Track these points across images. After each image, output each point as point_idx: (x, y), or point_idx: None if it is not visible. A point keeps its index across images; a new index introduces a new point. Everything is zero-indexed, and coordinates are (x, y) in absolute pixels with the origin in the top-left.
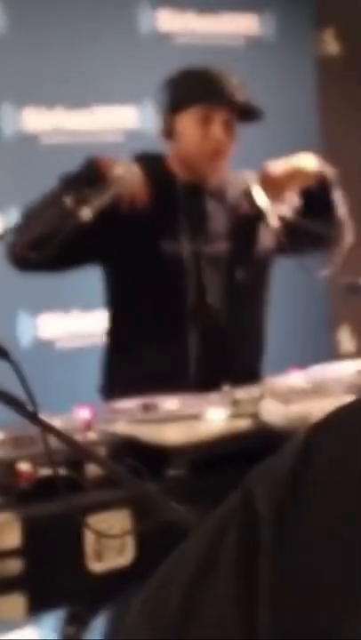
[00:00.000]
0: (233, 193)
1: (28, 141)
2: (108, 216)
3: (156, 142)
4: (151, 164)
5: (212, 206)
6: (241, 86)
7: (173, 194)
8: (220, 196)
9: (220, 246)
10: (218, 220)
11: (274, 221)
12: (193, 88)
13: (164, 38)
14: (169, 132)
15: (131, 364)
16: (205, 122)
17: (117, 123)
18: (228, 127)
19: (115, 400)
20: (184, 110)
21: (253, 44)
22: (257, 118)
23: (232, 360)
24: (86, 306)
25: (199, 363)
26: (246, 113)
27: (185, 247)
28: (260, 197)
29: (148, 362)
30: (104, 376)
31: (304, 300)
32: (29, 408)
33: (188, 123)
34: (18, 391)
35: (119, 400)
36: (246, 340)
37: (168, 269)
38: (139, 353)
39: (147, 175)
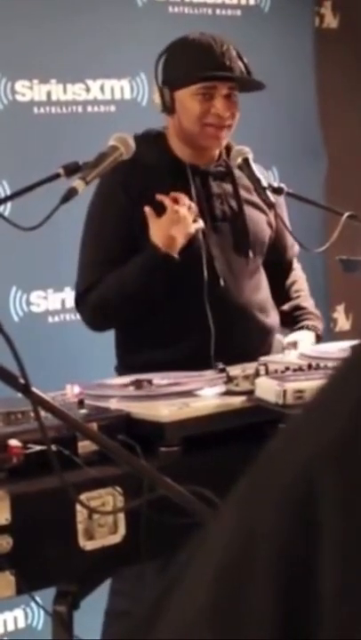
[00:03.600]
0: (233, 170)
1: (21, 112)
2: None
3: (149, 113)
4: (154, 146)
5: (215, 187)
6: (240, 56)
7: (181, 175)
8: (222, 175)
9: (225, 227)
10: (221, 200)
11: (270, 195)
12: (192, 64)
13: (160, 8)
14: (169, 108)
15: (147, 347)
16: (206, 98)
17: (110, 93)
18: (230, 100)
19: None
20: (184, 87)
21: (250, 13)
22: (258, 89)
23: (244, 339)
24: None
25: (217, 344)
26: (247, 84)
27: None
28: (257, 170)
29: (166, 344)
30: (118, 358)
31: None
32: (21, 381)
33: (188, 99)
34: (10, 365)
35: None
36: (254, 319)
37: (188, 258)
38: (155, 335)
39: (152, 159)
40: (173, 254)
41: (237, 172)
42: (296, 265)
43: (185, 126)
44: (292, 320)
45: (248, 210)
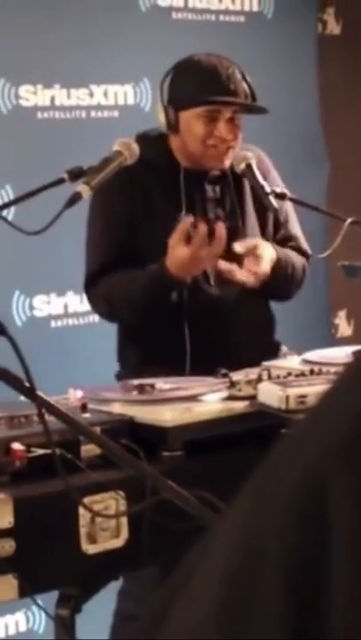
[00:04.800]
0: (231, 176)
1: (24, 117)
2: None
3: (152, 118)
4: (154, 144)
5: (210, 192)
6: (245, 78)
7: (176, 176)
8: (218, 181)
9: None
10: (215, 204)
11: (272, 201)
12: (198, 87)
13: (164, 14)
14: (174, 127)
15: (141, 350)
16: (210, 120)
17: (114, 99)
18: (233, 123)
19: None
20: (189, 108)
21: (253, 20)
22: (261, 113)
23: (231, 345)
24: (81, 290)
25: (194, 347)
26: (250, 108)
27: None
28: (260, 176)
29: (156, 346)
30: (119, 362)
31: (303, 287)
32: (26, 385)
33: (192, 120)
34: (14, 369)
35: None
36: (248, 325)
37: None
38: (147, 337)
39: (150, 155)
40: (185, 280)
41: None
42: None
43: (189, 146)
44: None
45: (244, 215)
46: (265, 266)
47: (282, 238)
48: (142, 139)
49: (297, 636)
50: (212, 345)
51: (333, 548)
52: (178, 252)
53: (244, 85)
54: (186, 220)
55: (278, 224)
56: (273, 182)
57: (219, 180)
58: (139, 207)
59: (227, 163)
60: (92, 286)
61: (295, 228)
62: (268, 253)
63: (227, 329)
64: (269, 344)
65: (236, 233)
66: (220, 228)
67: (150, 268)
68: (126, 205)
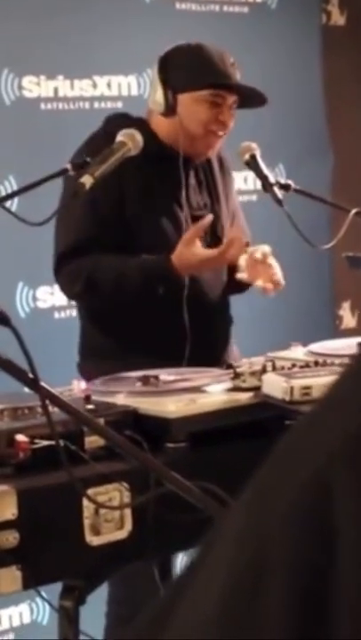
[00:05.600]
0: (222, 164)
1: (28, 108)
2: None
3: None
4: (141, 128)
5: (192, 176)
6: (237, 69)
7: (169, 161)
8: (210, 167)
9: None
10: (198, 190)
11: (277, 192)
12: (204, 70)
13: (168, 4)
14: (171, 109)
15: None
16: (214, 105)
17: (117, 89)
18: (231, 111)
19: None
20: (192, 90)
21: (257, 10)
22: (259, 105)
23: (219, 334)
24: None
25: (192, 333)
26: (248, 100)
27: (184, 215)
28: (264, 168)
29: (146, 332)
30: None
31: (307, 279)
32: (30, 376)
33: (195, 103)
34: (18, 360)
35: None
36: (224, 314)
37: (169, 238)
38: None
39: (146, 145)
40: (183, 276)
41: (215, 164)
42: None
43: (188, 129)
44: None
45: (221, 201)
46: (280, 274)
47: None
48: (123, 122)
49: (302, 637)
50: (211, 334)
51: (339, 549)
52: (190, 250)
53: (239, 75)
54: (206, 220)
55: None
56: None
57: (201, 166)
58: (129, 188)
59: (215, 151)
60: (63, 265)
61: (243, 221)
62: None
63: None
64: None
65: (218, 217)
66: (237, 240)
67: (150, 257)
68: (113, 187)
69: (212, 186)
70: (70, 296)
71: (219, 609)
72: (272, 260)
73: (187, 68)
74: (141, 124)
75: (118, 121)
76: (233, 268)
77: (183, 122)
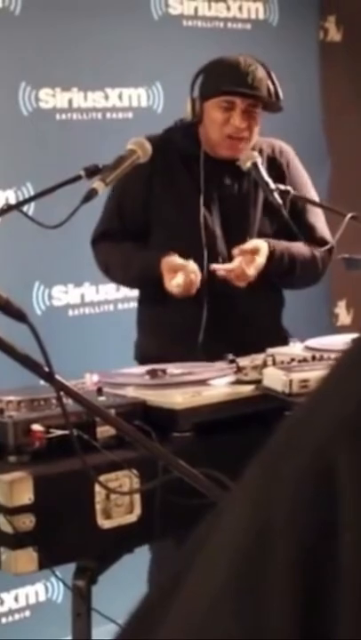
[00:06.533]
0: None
1: (44, 118)
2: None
3: (164, 120)
4: (182, 130)
5: (227, 181)
6: (271, 78)
7: (196, 160)
8: (235, 173)
9: (228, 210)
10: (229, 194)
11: (277, 197)
12: (220, 78)
13: (175, 22)
14: (199, 117)
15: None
16: (226, 109)
17: (128, 101)
18: (248, 115)
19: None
20: (210, 98)
21: (259, 27)
22: (275, 110)
23: (239, 329)
24: (97, 281)
25: (207, 330)
26: (266, 104)
27: (204, 215)
28: (266, 173)
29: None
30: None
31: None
32: (46, 369)
33: (212, 109)
34: (34, 355)
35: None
36: (253, 311)
37: (191, 234)
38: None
39: (176, 138)
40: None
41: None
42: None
43: (209, 135)
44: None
45: (255, 208)
46: (253, 269)
47: (293, 230)
48: (175, 125)
49: (307, 635)
50: (227, 328)
51: (343, 530)
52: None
53: (268, 83)
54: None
55: (284, 219)
56: (294, 172)
57: (236, 172)
58: (158, 183)
59: (241, 152)
60: (96, 245)
61: (313, 217)
62: (263, 252)
63: (240, 313)
64: (278, 330)
65: (247, 219)
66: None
67: (151, 253)
68: (142, 183)
69: (249, 188)
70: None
71: (229, 574)
72: (259, 257)
73: (208, 77)
74: (189, 127)
75: (172, 128)
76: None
77: (206, 127)
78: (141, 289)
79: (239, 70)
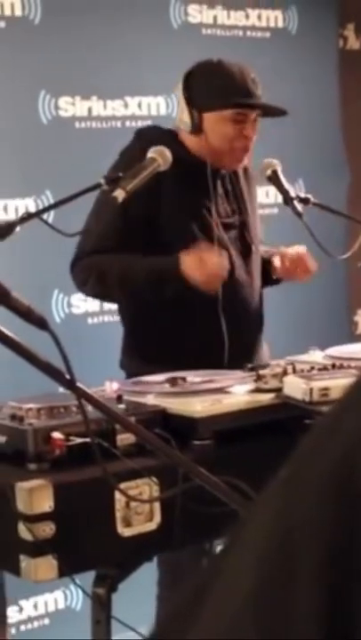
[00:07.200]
0: (247, 174)
1: (63, 127)
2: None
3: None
4: (173, 142)
5: (228, 187)
6: (258, 81)
7: (199, 171)
8: (236, 177)
9: (231, 224)
10: (226, 199)
11: (297, 205)
12: (227, 91)
13: (194, 30)
14: (197, 128)
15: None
16: (238, 123)
17: (147, 109)
18: (255, 124)
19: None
20: (216, 110)
21: (278, 36)
22: (280, 115)
23: (254, 337)
24: None
25: (230, 338)
26: (270, 111)
27: (213, 222)
28: (285, 182)
29: (183, 339)
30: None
31: (324, 287)
32: (67, 377)
33: (220, 122)
34: (54, 362)
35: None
36: (257, 318)
37: (206, 244)
38: (174, 329)
39: (176, 156)
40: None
41: (240, 173)
42: None
43: (214, 146)
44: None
45: (250, 210)
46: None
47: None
48: (154, 135)
49: (332, 637)
50: (247, 337)
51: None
52: (198, 262)
53: (260, 88)
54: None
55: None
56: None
57: (227, 176)
58: (160, 198)
59: (244, 164)
60: (78, 264)
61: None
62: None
63: (252, 328)
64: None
65: (245, 224)
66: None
67: (161, 258)
68: (143, 197)
69: (239, 195)
70: (81, 289)
71: (255, 582)
72: (307, 257)
73: (210, 88)
74: (171, 137)
75: (150, 134)
76: (267, 270)
77: (209, 139)
78: (136, 299)
79: (244, 79)
